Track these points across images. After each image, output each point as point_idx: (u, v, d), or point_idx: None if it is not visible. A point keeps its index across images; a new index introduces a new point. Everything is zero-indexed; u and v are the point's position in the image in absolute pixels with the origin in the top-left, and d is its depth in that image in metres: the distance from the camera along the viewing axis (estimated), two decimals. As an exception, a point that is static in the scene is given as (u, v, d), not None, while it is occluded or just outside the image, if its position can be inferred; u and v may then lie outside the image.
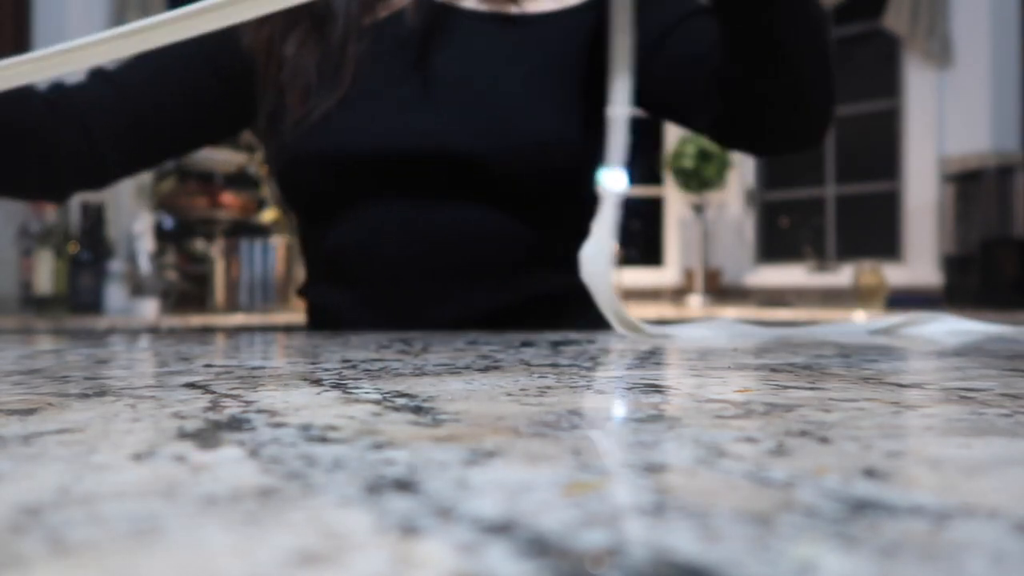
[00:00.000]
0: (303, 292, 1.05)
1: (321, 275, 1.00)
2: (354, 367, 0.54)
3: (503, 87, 0.90)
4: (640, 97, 0.88)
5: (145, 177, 2.96)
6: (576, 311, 0.94)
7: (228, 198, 2.95)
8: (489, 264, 0.92)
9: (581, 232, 0.86)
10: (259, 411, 0.35)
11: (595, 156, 0.94)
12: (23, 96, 0.84)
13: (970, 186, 2.80)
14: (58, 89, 0.92)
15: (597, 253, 0.78)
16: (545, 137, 0.90)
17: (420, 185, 0.90)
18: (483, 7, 0.93)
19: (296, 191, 0.95)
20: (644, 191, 3.87)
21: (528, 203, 0.92)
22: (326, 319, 1.00)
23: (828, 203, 3.61)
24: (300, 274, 3.15)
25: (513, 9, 0.93)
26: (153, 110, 0.94)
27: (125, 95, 0.93)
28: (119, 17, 2.92)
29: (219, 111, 0.99)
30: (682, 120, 0.98)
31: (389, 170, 0.89)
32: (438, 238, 0.91)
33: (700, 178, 3.35)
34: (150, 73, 0.94)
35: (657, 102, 0.95)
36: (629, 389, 0.42)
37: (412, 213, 0.90)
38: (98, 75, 0.93)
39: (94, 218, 2.56)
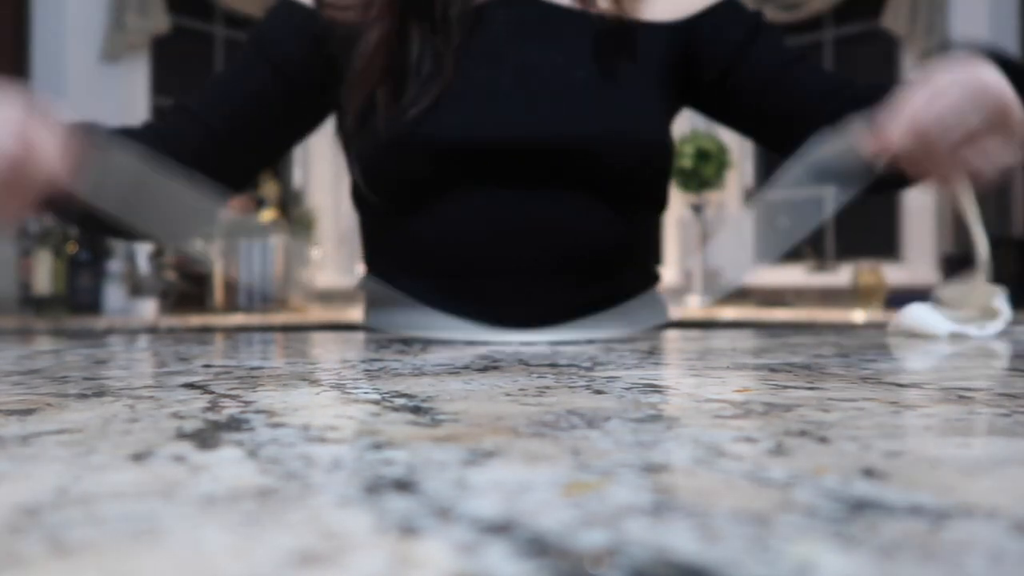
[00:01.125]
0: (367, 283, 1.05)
1: (400, 265, 0.98)
2: (353, 367, 0.54)
3: (600, 83, 0.92)
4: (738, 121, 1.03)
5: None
6: (648, 312, 1.02)
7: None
8: (577, 259, 0.92)
9: (655, 233, 1.00)
10: (258, 411, 0.35)
11: (672, 163, 1.00)
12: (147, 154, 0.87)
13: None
14: (155, 140, 0.94)
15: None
16: (649, 137, 0.94)
17: (515, 175, 0.90)
18: (575, 5, 0.95)
19: (386, 179, 0.94)
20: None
21: (622, 199, 0.93)
22: (390, 309, 0.99)
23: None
24: (299, 274, 3.15)
25: (604, 7, 0.94)
26: (243, 140, 0.97)
27: (214, 133, 0.95)
28: (117, 18, 2.92)
29: (302, 117, 1.02)
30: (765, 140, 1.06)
31: (486, 159, 0.89)
32: (530, 228, 0.91)
33: (699, 178, 3.35)
34: (232, 108, 0.96)
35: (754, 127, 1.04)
36: (628, 389, 0.42)
37: (505, 203, 0.91)
38: (184, 116, 0.96)
39: (93, 218, 2.55)
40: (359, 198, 1.01)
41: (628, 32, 0.95)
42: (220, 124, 0.95)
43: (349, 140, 0.98)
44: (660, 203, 1.01)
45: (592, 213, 0.92)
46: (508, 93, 0.90)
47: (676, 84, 0.99)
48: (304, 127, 1.04)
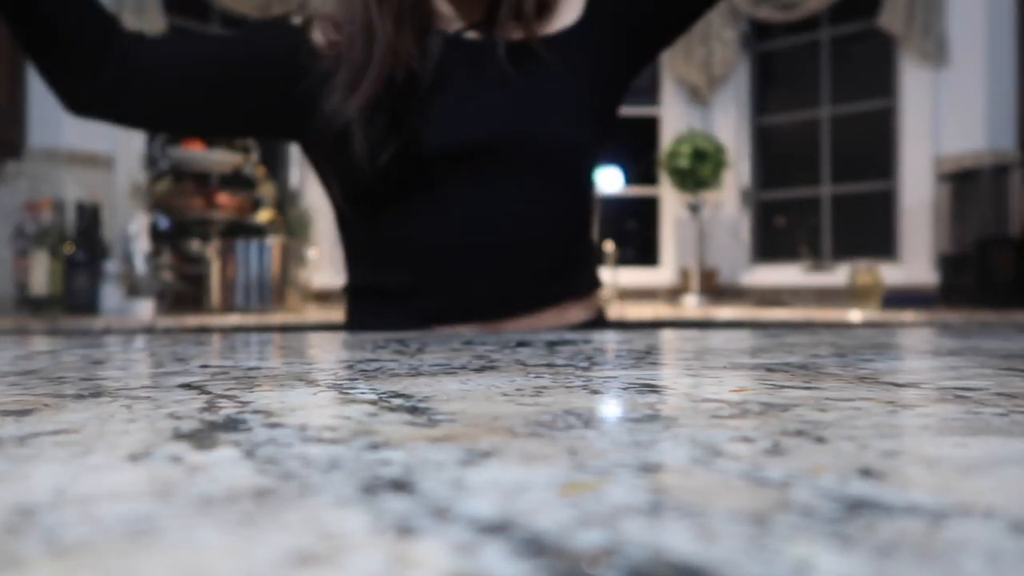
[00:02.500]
0: (352, 288, 1.16)
1: (393, 262, 1.09)
2: (350, 367, 0.54)
3: (515, 94, 1.07)
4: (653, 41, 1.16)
5: (141, 178, 2.96)
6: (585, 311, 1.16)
7: (224, 198, 2.94)
8: (517, 242, 1.06)
9: (584, 220, 1.14)
10: (255, 411, 0.35)
11: (597, 151, 1.14)
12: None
13: (966, 185, 2.80)
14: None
15: None
16: (558, 134, 1.07)
17: (464, 173, 1.04)
18: (517, 38, 1.08)
19: (368, 189, 1.05)
20: (640, 191, 3.87)
21: (545, 187, 1.07)
22: (378, 310, 1.11)
23: (824, 203, 3.61)
24: (296, 274, 3.15)
25: (536, 36, 1.08)
26: (205, 78, 1.05)
27: (189, 50, 1.05)
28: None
29: (232, 108, 1.08)
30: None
31: (450, 160, 1.04)
32: (477, 218, 1.05)
33: (696, 178, 3.35)
34: (193, 54, 1.06)
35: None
36: (625, 389, 0.42)
37: (459, 200, 1.05)
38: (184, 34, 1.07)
39: (90, 219, 2.56)
40: (341, 211, 1.12)
41: (536, 49, 1.08)
42: (169, 56, 1.05)
43: (327, 161, 1.10)
44: (580, 192, 1.13)
45: (525, 207, 1.06)
46: (451, 110, 1.05)
47: (612, 68, 1.14)
48: (222, 121, 1.12)
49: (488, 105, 1.05)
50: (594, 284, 1.19)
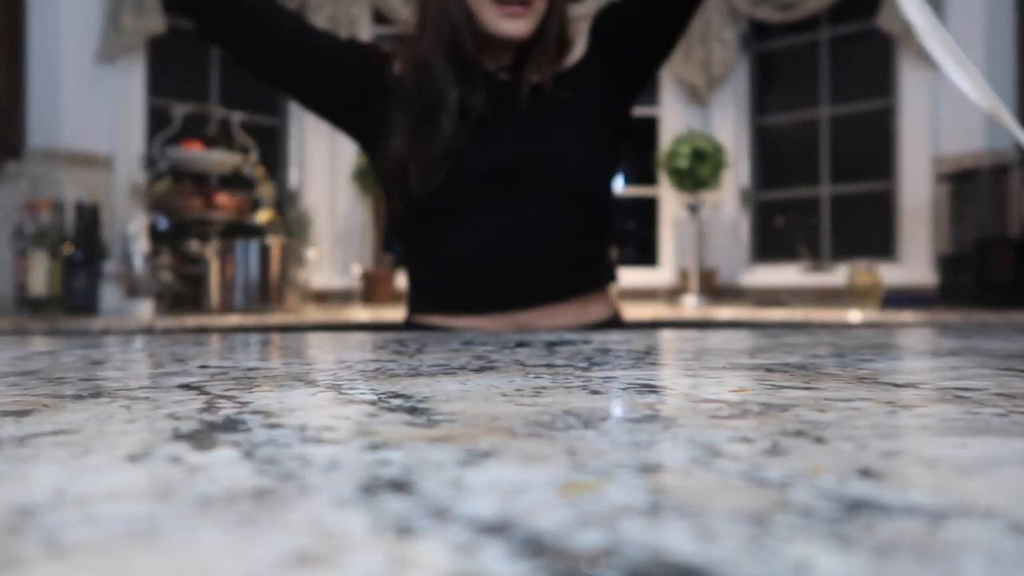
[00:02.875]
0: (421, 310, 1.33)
1: (435, 264, 1.29)
2: (349, 368, 0.54)
3: (534, 127, 1.25)
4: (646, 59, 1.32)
5: (140, 178, 2.96)
6: (598, 309, 1.31)
7: (223, 199, 2.94)
8: (538, 252, 1.25)
9: (598, 228, 1.31)
10: (254, 412, 0.35)
11: (614, 170, 1.34)
12: None
13: (965, 186, 2.80)
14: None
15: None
16: (572, 162, 1.26)
17: (497, 193, 1.23)
18: (536, 79, 1.26)
19: (425, 202, 1.24)
20: (639, 191, 3.87)
21: (563, 206, 1.25)
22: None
23: (823, 203, 3.61)
24: (295, 275, 3.15)
25: (550, 82, 1.26)
26: (301, 54, 1.25)
27: (298, 32, 1.24)
28: (113, 19, 2.91)
29: (341, 101, 1.31)
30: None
31: (486, 180, 1.23)
32: (507, 230, 1.23)
33: (695, 178, 3.34)
34: (323, 45, 1.27)
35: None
36: (624, 389, 0.42)
37: (494, 216, 1.23)
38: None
39: (89, 219, 2.55)
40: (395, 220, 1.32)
41: (567, 82, 1.27)
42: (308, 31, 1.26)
43: (386, 181, 1.29)
44: (593, 205, 1.30)
45: (544, 220, 1.24)
46: (486, 142, 1.23)
47: (619, 90, 1.32)
48: (308, 94, 1.33)
49: (515, 136, 1.24)
50: (609, 277, 1.34)
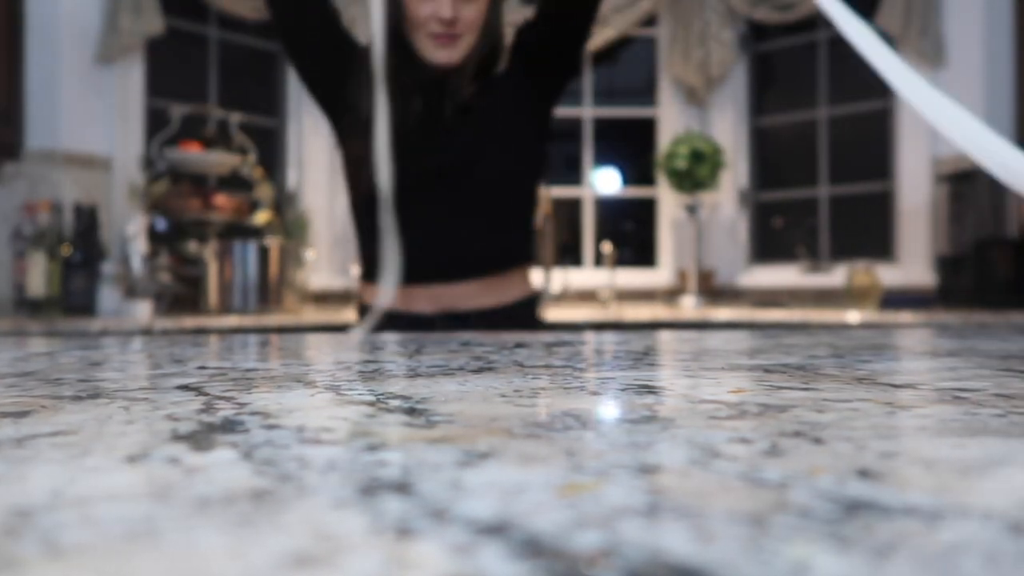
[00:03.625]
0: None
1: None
2: (348, 368, 0.54)
3: (462, 132, 1.42)
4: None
5: (138, 179, 2.96)
6: (518, 288, 1.49)
7: (221, 200, 2.94)
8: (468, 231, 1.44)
9: (519, 219, 1.50)
10: (253, 413, 0.35)
11: (538, 167, 1.53)
12: None
13: (963, 186, 2.80)
14: None
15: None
16: (498, 162, 1.44)
17: (445, 186, 1.41)
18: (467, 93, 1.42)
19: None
20: (637, 192, 3.87)
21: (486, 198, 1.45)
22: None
23: (821, 204, 3.61)
24: (294, 276, 3.15)
25: (472, 96, 1.42)
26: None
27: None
28: (111, 20, 2.91)
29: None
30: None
31: (431, 176, 1.41)
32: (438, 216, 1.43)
33: (693, 179, 3.34)
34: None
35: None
36: (623, 390, 0.42)
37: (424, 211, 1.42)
38: None
39: (87, 220, 2.55)
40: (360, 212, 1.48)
41: (490, 96, 1.44)
42: None
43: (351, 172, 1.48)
44: (519, 203, 1.49)
45: (470, 210, 1.42)
46: (420, 143, 1.39)
47: (540, 101, 1.49)
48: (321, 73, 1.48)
49: (446, 140, 1.41)
50: (526, 258, 1.50)
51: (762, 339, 0.84)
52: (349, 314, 2.73)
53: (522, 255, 1.49)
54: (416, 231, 1.35)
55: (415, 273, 1.35)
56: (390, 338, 0.89)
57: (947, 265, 2.90)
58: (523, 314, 1.47)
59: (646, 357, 0.63)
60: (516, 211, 1.48)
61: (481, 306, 1.41)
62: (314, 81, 1.48)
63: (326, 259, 3.59)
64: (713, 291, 3.63)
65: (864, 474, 0.23)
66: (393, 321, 1.38)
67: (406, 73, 1.38)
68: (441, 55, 1.37)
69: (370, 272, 1.45)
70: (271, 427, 0.31)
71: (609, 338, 0.87)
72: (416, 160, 1.37)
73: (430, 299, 1.40)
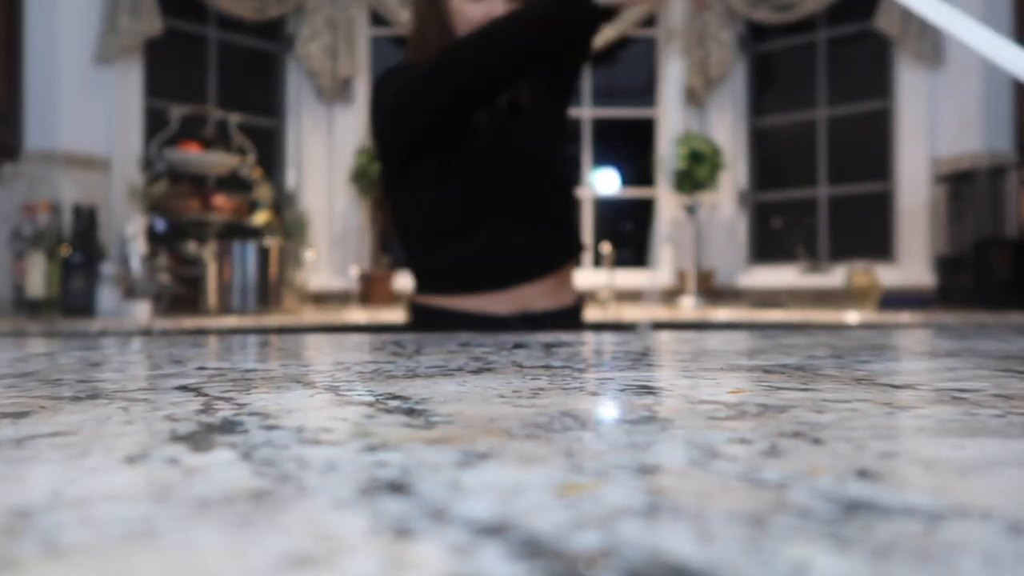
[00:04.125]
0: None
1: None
2: (347, 369, 0.54)
3: (525, 128, 1.48)
4: None
5: (137, 180, 2.96)
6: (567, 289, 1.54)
7: (220, 200, 2.94)
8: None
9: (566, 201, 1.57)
10: (252, 413, 0.35)
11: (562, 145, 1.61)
12: None
13: (962, 186, 2.80)
14: None
15: None
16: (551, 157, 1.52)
17: (501, 187, 1.47)
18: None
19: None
20: (636, 192, 3.87)
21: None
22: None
23: (820, 204, 3.61)
24: (293, 276, 3.15)
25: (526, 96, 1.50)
26: None
27: None
28: (110, 21, 2.91)
29: None
30: None
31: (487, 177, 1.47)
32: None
33: (692, 179, 3.35)
34: None
35: None
36: (622, 390, 0.42)
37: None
38: None
39: (86, 221, 2.55)
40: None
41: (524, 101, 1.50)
42: None
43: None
44: (567, 193, 1.55)
45: (527, 206, 1.47)
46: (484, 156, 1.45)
47: (561, 101, 1.56)
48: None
49: (501, 139, 1.43)
50: (578, 249, 1.54)
51: (761, 339, 0.84)
52: (349, 315, 2.73)
53: (576, 250, 1.53)
54: (488, 238, 1.42)
55: (490, 278, 1.43)
56: (389, 338, 0.88)
57: (946, 265, 2.90)
58: (579, 315, 1.54)
59: (645, 357, 0.63)
60: (568, 209, 1.54)
61: (550, 307, 1.46)
62: (406, 153, 1.47)
63: (325, 259, 3.59)
64: (712, 291, 3.63)
65: (863, 474, 0.23)
66: (471, 323, 1.42)
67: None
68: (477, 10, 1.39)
69: (429, 284, 1.49)
70: (270, 428, 0.31)
71: (608, 338, 0.87)
72: (483, 170, 1.41)
73: (506, 301, 1.43)
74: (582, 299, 1.56)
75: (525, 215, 1.45)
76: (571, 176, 1.58)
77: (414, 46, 1.47)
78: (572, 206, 1.56)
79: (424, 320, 1.49)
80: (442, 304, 1.46)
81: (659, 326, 2.73)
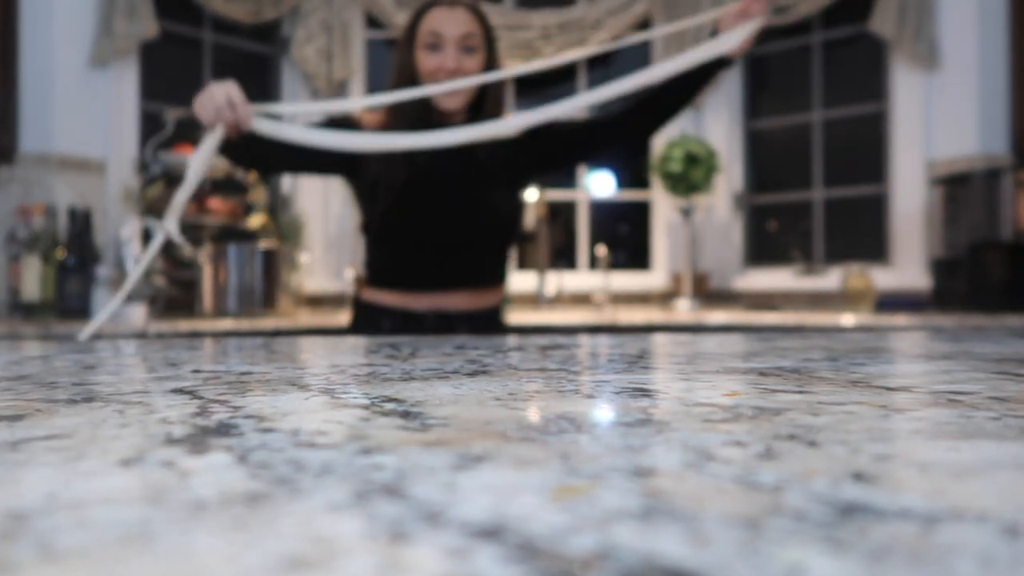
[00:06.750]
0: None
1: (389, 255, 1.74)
2: (342, 372, 0.54)
3: (484, 176, 1.70)
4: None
5: (132, 182, 2.95)
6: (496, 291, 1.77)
7: (216, 203, 2.93)
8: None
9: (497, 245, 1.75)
10: (247, 416, 0.35)
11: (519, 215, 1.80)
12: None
13: (958, 189, 2.80)
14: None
15: None
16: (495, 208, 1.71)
17: (449, 217, 1.69)
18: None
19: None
20: (632, 195, 3.87)
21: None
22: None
23: (816, 207, 3.61)
24: (288, 279, 3.15)
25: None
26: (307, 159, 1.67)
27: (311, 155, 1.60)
28: (106, 24, 2.91)
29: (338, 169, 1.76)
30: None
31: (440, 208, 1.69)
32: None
33: (688, 182, 3.35)
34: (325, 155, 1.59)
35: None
36: (617, 393, 0.42)
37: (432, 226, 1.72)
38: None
39: (81, 223, 2.55)
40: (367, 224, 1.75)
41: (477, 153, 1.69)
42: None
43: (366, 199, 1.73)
44: (504, 237, 1.74)
45: (466, 236, 1.68)
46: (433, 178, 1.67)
47: (528, 175, 1.80)
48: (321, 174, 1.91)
49: (453, 180, 1.67)
50: (502, 276, 1.77)
51: (757, 342, 0.84)
52: (344, 318, 2.73)
53: (502, 276, 1.78)
54: (430, 249, 1.66)
55: (419, 281, 1.68)
56: (384, 341, 0.88)
57: (941, 268, 2.90)
58: (495, 317, 1.75)
59: (641, 360, 0.63)
60: (502, 244, 1.76)
61: (464, 308, 1.69)
62: (328, 174, 1.83)
63: (320, 262, 3.58)
64: (708, 294, 3.63)
65: (859, 477, 0.23)
66: (390, 315, 1.68)
67: (420, 117, 1.64)
68: (447, 101, 1.64)
69: (376, 278, 1.73)
70: (266, 430, 0.31)
71: (604, 341, 0.87)
72: (427, 195, 1.64)
73: (426, 301, 1.67)
74: (502, 303, 1.79)
75: (457, 241, 1.67)
76: (515, 224, 1.77)
77: (391, 81, 1.73)
78: (505, 244, 1.76)
79: (357, 312, 1.76)
80: (369, 298, 1.73)
81: (654, 329, 2.73)
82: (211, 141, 1.43)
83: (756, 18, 1.49)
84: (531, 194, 3.31)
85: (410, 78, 1.67)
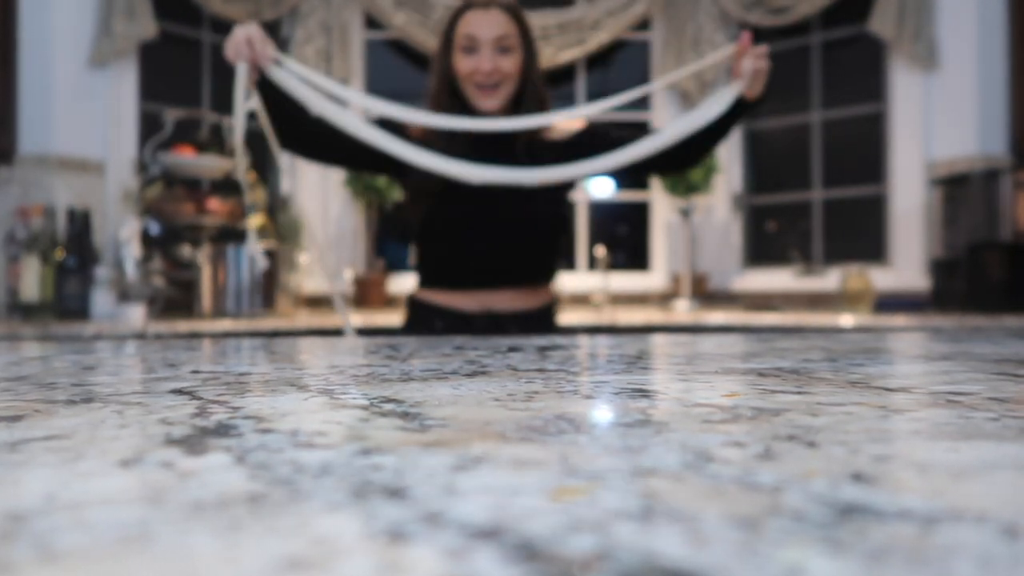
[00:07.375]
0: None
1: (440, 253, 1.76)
2: (341, 372, 0.54)
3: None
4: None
5: (132, 183, 2.95)
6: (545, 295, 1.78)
7: (215, 204, 2.93)
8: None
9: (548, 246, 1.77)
10: (246, 417, 0.35)
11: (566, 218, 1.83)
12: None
13: (957, 190, 2.81)
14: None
15: None
16: (543, 207, 1.71)
17: (499, 215, 1.69)
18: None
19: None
20: (631, 196, 3.87)
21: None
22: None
23: (815, 207, 3.61)
24: (287, 279, 3.15)
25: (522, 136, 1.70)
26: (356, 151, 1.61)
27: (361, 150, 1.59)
28: (105, 24, 2.90)
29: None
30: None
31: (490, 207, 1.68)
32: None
33: (687, 182, 3.35)
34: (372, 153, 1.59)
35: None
36: (616, 394, 0.42)
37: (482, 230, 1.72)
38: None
39: (80, 224, 2.55)
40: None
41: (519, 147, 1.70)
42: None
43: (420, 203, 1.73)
44: (553, 238, 1.76)
45: (515, 235, 1.69)
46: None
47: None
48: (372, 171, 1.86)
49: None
50: (552, 273, 1.78)
51: (756, 343, 0.84)
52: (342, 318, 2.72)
53: (551, 272, 1.78)
54: (471, 249, 1.67)
55: (464, 280, 1.69)
56: (383, 342, 0.88)
57: (940, 268, 2.90)
58: (546, 317, 1.75)
59: (640, 361, 0.63)
60: (551, 241, 1.76)
61: (514, 308, 1.69)
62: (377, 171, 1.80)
63: (319, 263, 3.58)
64: (707, 295, 3.63)
65: (858, 478, 0.23)
66: (441, 315, 1.69)
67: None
68: (486, 103, 1.66)
69: (426, 278, 1.75)
70: (265, 431, 0.31)
71: (603, 341, 0.87)
72: (471, 195, 1.61)
73: (474, 300, 1.68)
74: (553, 303, 1.79)
75: (505, 240, 1.67)
76: (563, 222, 1.79)
77: (432, 87, 1.73)
78: (555, 241, 1.77)
79: (410, 311, 1.76)
80: (421, 297, 1.74)
81: (653, 329, 2.73)
82: (240, 78, 1.46)
83: (757, 60, 1.54)
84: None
85: (448, 82, 1.68)
